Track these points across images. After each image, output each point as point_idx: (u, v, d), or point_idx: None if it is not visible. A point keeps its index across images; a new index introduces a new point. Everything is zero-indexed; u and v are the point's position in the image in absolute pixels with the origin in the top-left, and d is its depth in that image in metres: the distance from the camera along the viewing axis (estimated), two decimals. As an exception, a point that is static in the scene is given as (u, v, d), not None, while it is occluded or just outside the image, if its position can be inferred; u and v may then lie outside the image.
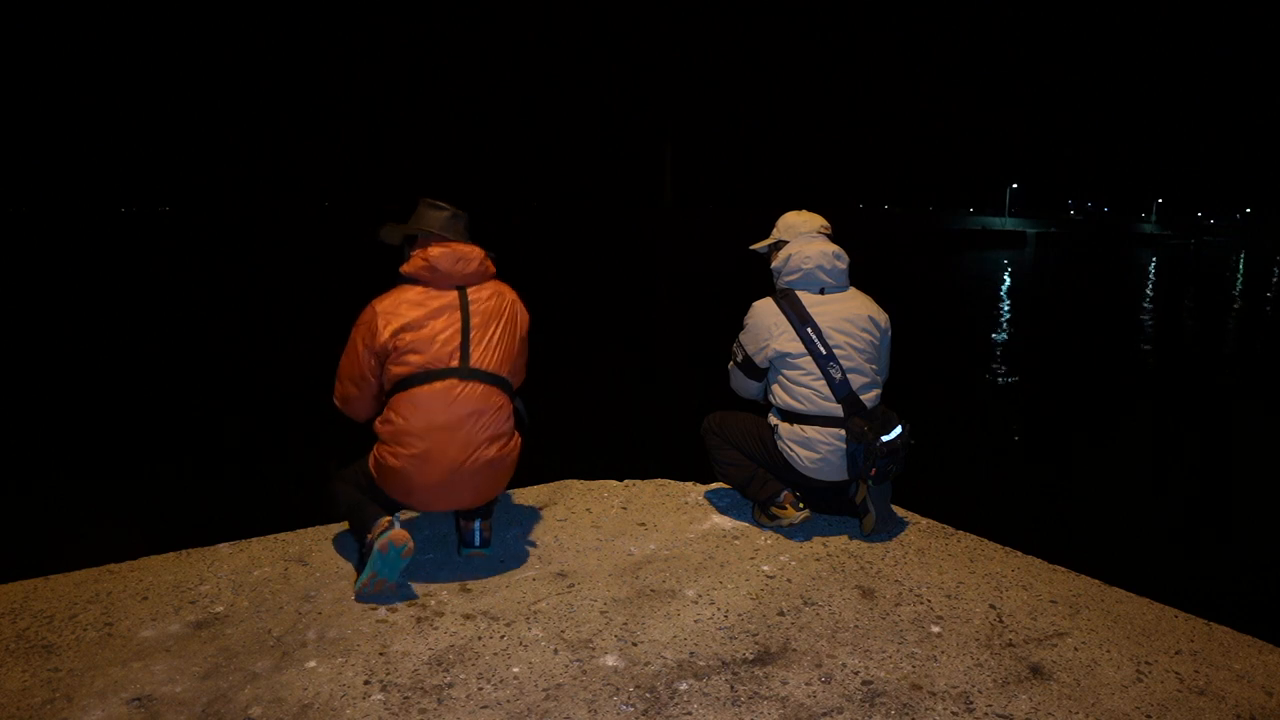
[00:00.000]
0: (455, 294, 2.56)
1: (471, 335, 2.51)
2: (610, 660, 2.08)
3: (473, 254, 2.60)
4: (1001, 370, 12.62)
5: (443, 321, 2.50)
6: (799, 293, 2.91)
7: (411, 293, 2.55)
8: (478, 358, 2.49)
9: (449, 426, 2.42)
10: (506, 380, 2.57)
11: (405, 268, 2.59)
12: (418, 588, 2.46)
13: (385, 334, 2.47)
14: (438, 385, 2.44)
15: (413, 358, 2.45)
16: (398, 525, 2.40)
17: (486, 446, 2.47)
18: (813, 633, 2.23)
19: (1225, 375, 13.09)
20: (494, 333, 2.55)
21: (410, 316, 2.49)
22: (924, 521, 3.02)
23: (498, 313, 2.59)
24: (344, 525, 2.81)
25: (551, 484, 3.36)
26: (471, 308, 2.55)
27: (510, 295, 2.68)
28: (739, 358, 3.00)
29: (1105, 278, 34.67)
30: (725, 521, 3.01)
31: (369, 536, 2.40)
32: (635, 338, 15.43)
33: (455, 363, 2.46)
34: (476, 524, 2.66)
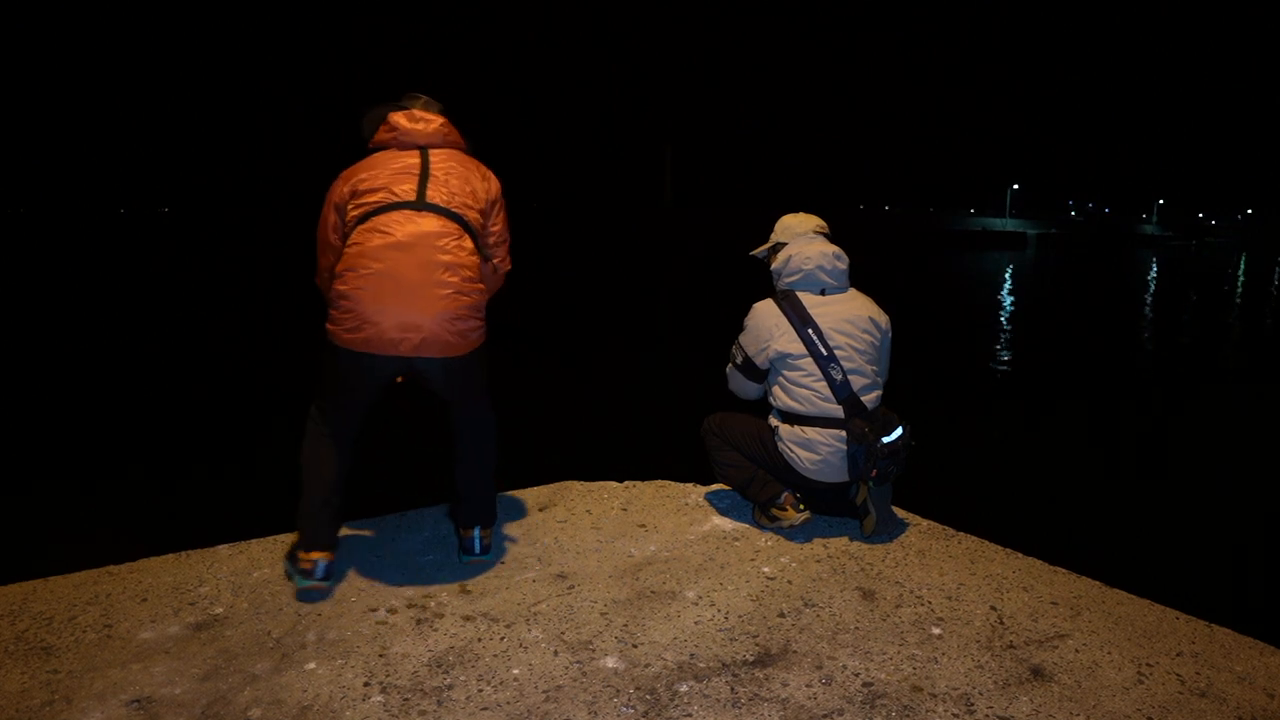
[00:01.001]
0: (417, 153, 2.52)
1: (430, 181, 2.45)
2: (610, 662, 2.08)
3: (432, 118, 2.57)
4: (1002, 371, 12.62)
5: (401, 172, 2.46)
6: (799, 294, 2.91)
7: (375, 157, 2.53)
8: (433, 195, 2.43)
9: (403, 246, 2.32)
10: (465, 219, 2.45)
11: (370, 142, 2.59)
12: (418, 589, 2.45)
13: (345, 187, 2.47)
14: (394, 214, 2.37)
15: (369, 198, 2.42)
16: (317, 552, 2.41)
17: (446, 272, 2.34)
18: (813, 634, 2.22)
19: (1226, 376, 13.08)
20: (453, 182, 2.48)
21: (369, 170, 2.47)
22: (925, 523, 3.02)
23: (460, 167, 2.53)
24: (344, 525, 2.83)
25: (551, 485, 3.35)
26: (432, 163, 2.50)
27: (475, 162, 2.62)
28: (738, 359, 2.99)
29: (1106, 279, 34.67)
30: (725, 523, 3.00)
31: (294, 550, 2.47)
32: (635, 338, 15.43)
33: (411, 198, 2.41)
34: (476, 531, 2.62)
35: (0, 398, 9.52)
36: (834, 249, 2.93)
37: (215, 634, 2.19)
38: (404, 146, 2.53)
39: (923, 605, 2.39)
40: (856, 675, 2.04)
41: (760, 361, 2.90)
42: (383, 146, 2.56)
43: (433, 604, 2.37)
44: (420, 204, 2.40)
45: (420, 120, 2.55)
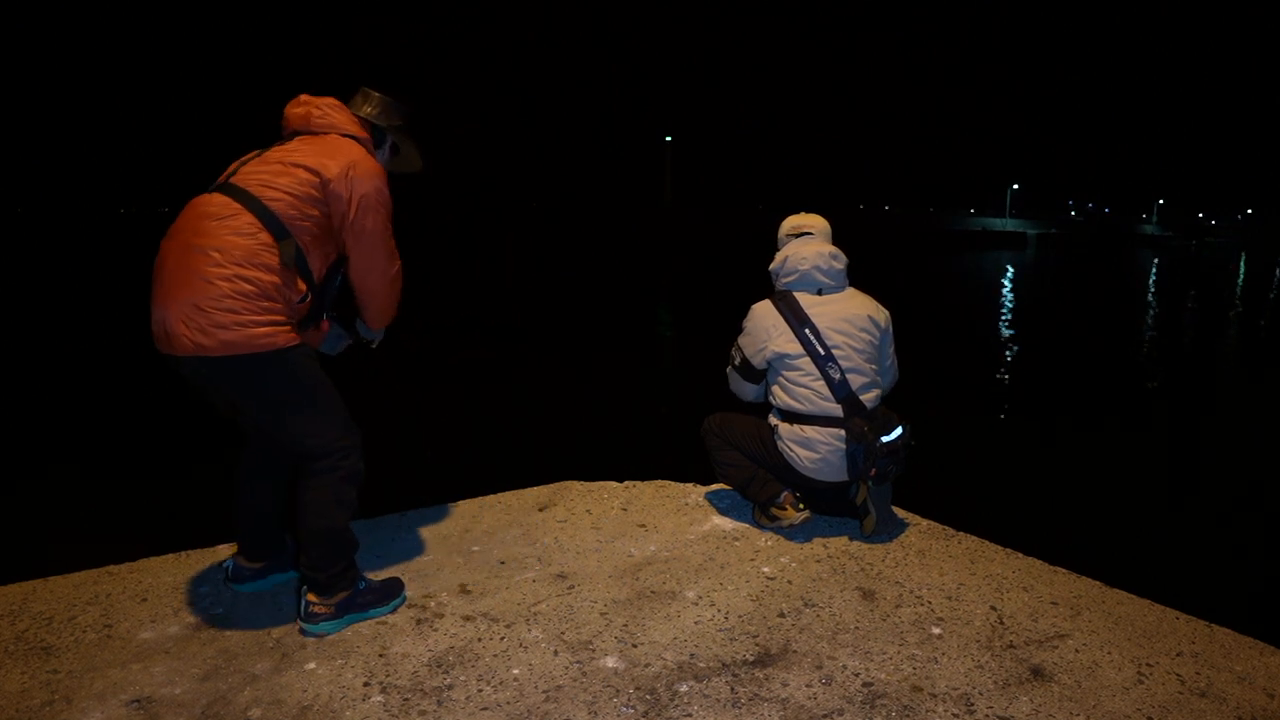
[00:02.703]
0: (284, 142, 2.26)
1: (251, 162, 2.18)
2: (610, 662, 2.08)
3: (316, 101, 2.28)
4: (1002, 371, 12.62)
5: (239, 160, 2.22)
6: (796, 294, 2.91)
7: None
8: (239, 177, 2.14)
9: (172, 232, 2.09)
10: (254, 198, 2.07)
11: None
12: (417, 589, 2.45)
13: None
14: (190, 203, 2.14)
15: None
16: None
17: (201, 257, 1.99)
18: (813, 634, 2.22)
19: (1226, 376, 13.08)
20: (273, 165, 2.14)
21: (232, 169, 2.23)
22: (924, 523, 3.02)
23: (310, 149, 2.18)
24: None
25: (551, 485, 3.35)
26: (279, 147, 2.22)
27: (345, 146, 2.22)
28: (737, 360, 3.00)
29: (1106, 279, 34.67)
30: (725, 523, 3.00)
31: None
32: (635, 338, 15.43)
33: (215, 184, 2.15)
34: (303, 589, 2.22)
35: (0, 398, 9.52)
36: (830, 249, 2.94)
37: (215, 634, 2.19)
38: (285, 136, 2.30)
39: (923, 605, 2.39)
40: (856, 675, 2.04)
41: (758, 362, 2.91)
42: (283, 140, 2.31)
43: (433, 604, 2.37)
44: (212, 187, 2.15)
45: (301, 105, 2.29)
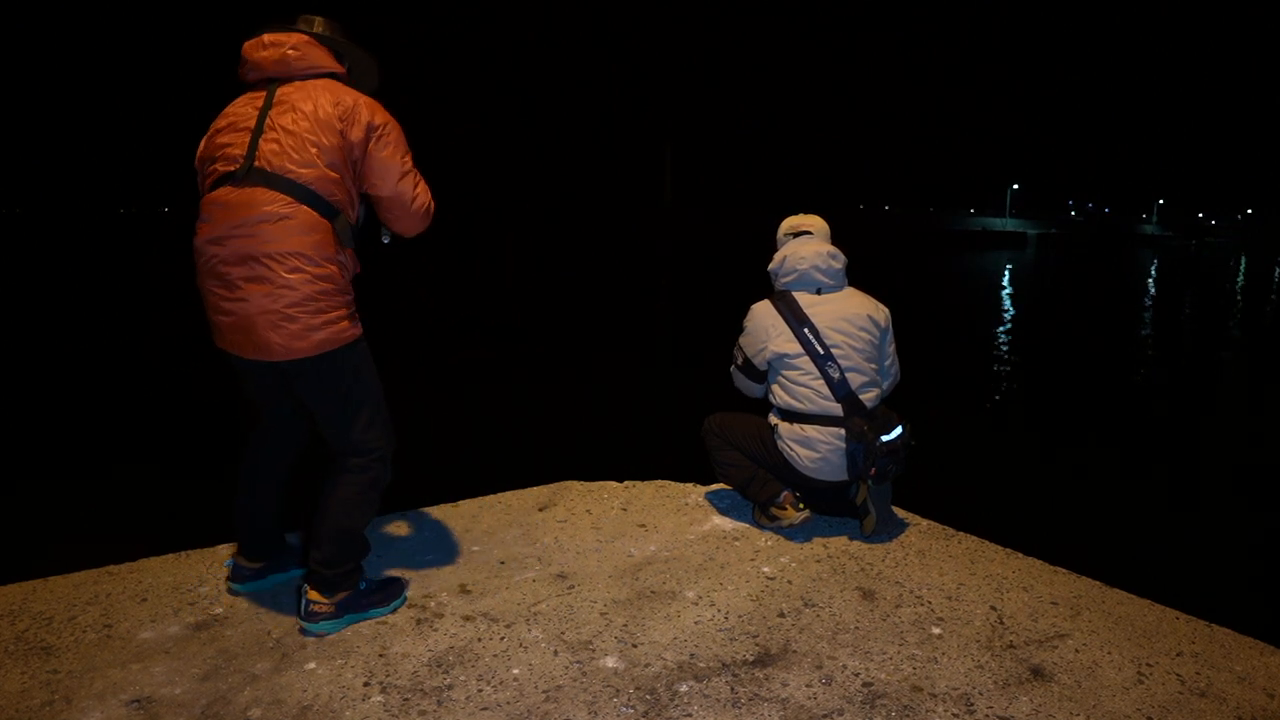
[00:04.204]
0: (264, 93, 2.12)
1: (262, 135, 2.04)
2: (610, 662, 2.08)
3: (285, 39, 2.11)
4: (1003, 371, 12.62)
5: (238, 126, 2.09)
6: (795, 293, 2.92)
7: (230, 105, 2.15)
8: (263, 154, 2.03)
9: (217, 240, 2.02)
10: (297, 184, 2.01)
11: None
12: (417, 589, 2.45)
13: (200, 148, 2.15)
14: (217, 193, 2.05)
15: (209, 166, 2.10)
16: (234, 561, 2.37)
17: (274, 261, 1.97)
18: (813, 634, 2.22)
19: (1226, 376, 13.08)
20: (289, 123, 2.04)
21: (215, 126, 2.12)
22: (924, 523, 3.02)
23: (308, 102, 2.06)
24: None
25: (551, 485, 3.35)
26: (273, 107, 2.08)
27: (334, 89, 2.10)
28: (739, 360, 3.01)
29: (1106, 279, 34.67)
30: (725, 523, 3.00)
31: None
32: (635, 338, 15.43)
33: (237, 166, 2.04)
34: (305, 587, 2.21)
35: (1, 398, 9.52)
36: (829, 248, 2.94)
37: (215, 634, 2.19)
38: (254, 84, 2.15)
39: (923, 605, 2.39)
40: (856, 675, 2.04)
41: (759, 362, 2.91)
42: (246, 86, 2.17)
43: (433, 604, 2.37)
44: (244, 175, 2.03)
45: (270, 46, 2.11)
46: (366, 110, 2.11)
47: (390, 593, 2.33)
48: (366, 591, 2.27)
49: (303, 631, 2.19)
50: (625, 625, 2.26)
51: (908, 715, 1.88)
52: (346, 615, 2.22)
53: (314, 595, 2.18)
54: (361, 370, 2.15)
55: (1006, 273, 36.83)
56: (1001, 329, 17.43)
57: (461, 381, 10.84)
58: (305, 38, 2.14)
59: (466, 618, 2.29)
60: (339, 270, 2.08)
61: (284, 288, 1.99)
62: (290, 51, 2.11)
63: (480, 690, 1.95)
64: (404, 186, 2.17)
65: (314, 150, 2.04)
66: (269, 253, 1.99)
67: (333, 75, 2.18)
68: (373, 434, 2.18)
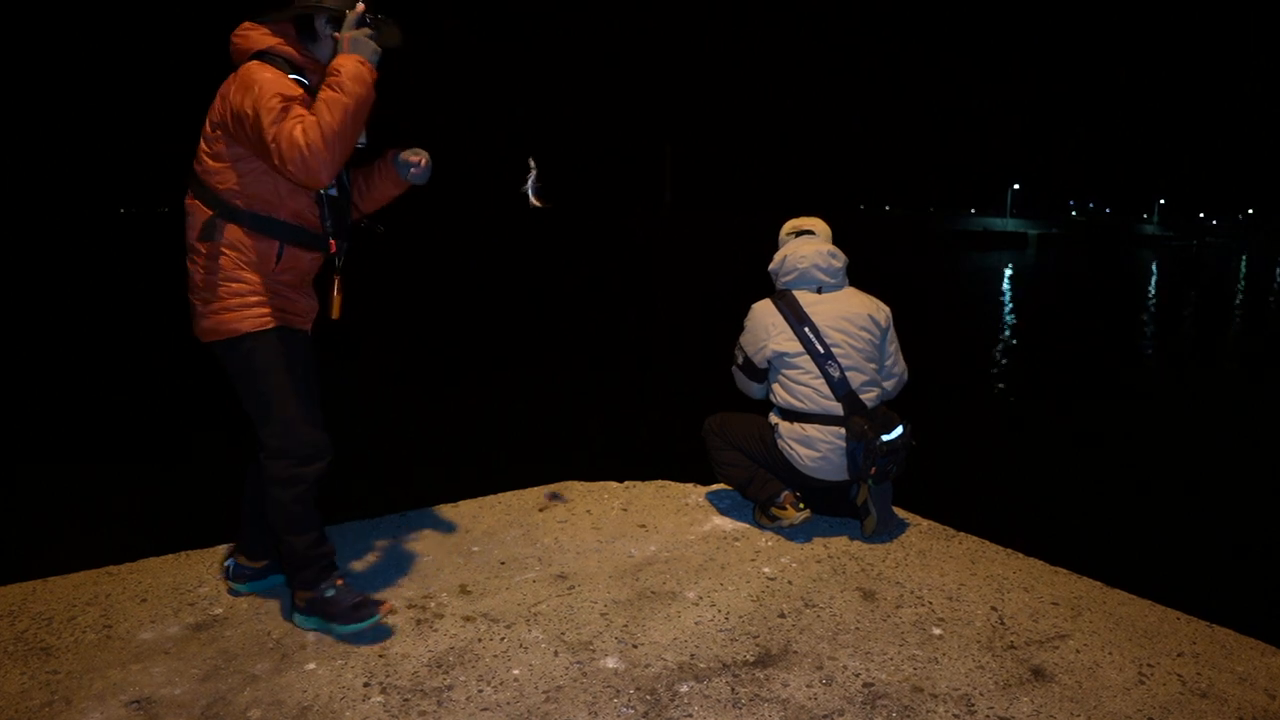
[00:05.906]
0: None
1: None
2: (611, 662, 2.08)
3: (238, 29, 2.10)
4: (1003, 372, 12.62)
5: None
6: (796, 292, 2.92)
7: None
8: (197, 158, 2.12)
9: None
10: (195, 175, 2.08)
11: None
12: (417, 590, 2.45)
13: None
14: None
15: None
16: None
17: (187, 258, 2.13)
18: (814, 635, 2.22)
19: (1226, 376, 13.08)
20: (206, 121, 2.08)
21: None
22: (925, 523, 3.01)
23: (215, 103, 2.07)
24: (341, 525, 2.82)
25: (551, 485, 3.35)
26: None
27: (238, 73, 2.03)
28: (740, 359, 3.01)
29: (1107, 279, 34.66)
30: (726, 523, 3.00)
31: None
32: (635, 339, 15.43)
33: None
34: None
35: (1, 397, 9.52)
36: (829, 248, 2.94)
37: (215, 634, 2.19)
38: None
39: (923, 605, 2.39)
40: (857, 675, 2.03)
41: (759, 361, 2.91)
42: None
43: (433, 604, 2.36)
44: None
45: (233, 38, 2.12)
46: (229, 84, 2.03)
47: (357, 614, 2.14)
48: (331, 601, 2.14)
49: (286, 617, 2.24)
50: (626, 626, 2.26)
51: (908, 716, 1.88)
52: (313, 616, 2.18)
53: (299, 595, 2.21)
54: (254, 361, 2.09)
55: (1007, 273, 36.82)
56: (1002, 329, 17.43)
57: (462, 381, 10.84)
58: (250, 23, 2.11)
59: (467, 618, 2.29)
60: (229, 261, 2.07)
61: (190, 277, 2.14)
62: (235, 39, 2.11)
63: (480, 691, 1.95)
64: (273, 145, 1.95)
65: (206, 138, 2.09)
66: (189, 244, 2.13)
67: (261, 54, 2.06)
68: (267, 430, 2.12)
